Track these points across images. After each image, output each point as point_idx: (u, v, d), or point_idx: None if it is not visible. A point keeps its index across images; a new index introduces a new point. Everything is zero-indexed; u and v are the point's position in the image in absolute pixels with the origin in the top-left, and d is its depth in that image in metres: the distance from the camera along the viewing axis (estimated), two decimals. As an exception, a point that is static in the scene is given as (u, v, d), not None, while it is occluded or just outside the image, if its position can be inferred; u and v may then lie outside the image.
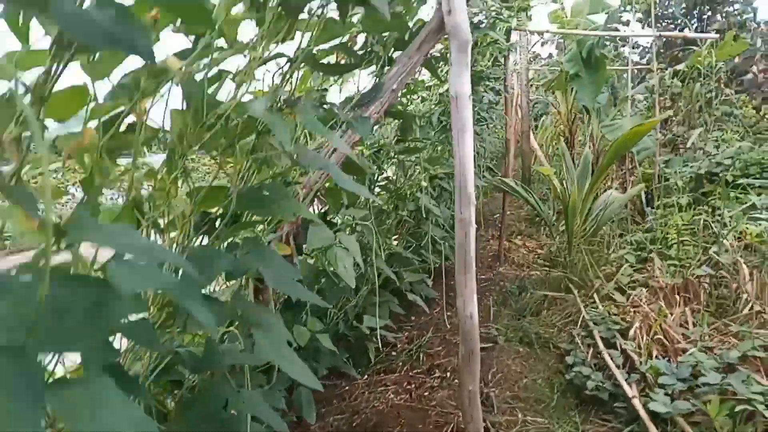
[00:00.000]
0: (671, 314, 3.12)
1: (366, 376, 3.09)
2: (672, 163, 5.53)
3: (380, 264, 2.25)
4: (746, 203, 4.24)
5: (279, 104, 1.18)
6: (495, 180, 4.59)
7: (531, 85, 8.55)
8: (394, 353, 3.35)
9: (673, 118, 6.01)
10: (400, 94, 2.45)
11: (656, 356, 2.81)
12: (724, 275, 3.29)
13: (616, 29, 7.64)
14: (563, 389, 2.84)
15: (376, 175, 2.40)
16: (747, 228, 3.56)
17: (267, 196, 1.14)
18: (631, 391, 2.46)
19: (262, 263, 1.13)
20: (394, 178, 2.43)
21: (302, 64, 1.26)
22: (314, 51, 1.35)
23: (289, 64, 1.25)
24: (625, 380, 2.60)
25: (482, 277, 4.99)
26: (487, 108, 5.15)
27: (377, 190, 2.53)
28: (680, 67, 6.53)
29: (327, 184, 1.95)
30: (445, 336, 3.53)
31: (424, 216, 2.61)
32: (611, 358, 2.85)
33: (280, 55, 1.20)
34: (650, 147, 5.55)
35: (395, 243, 2.58)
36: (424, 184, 2.53)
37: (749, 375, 2.20)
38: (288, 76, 1.23)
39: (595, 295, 3.87)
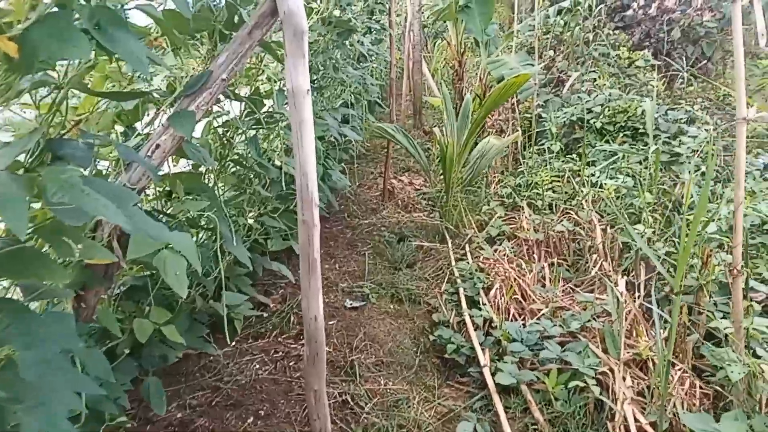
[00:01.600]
0: (530, 271, 3.28)
1: (234, 344, 3.02)
2: (550, 105, 5.67)
3: (232, 248, 2.11)
4: (610, 153, 4.46)
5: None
6: (373, 126, 4.46)
7: (422, 12, 8.30)
8: (265, 315, 3.29)
9: (557, 59, 6.11)
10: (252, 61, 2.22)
11: (512, 317, 2.96)
12: (580, 232, 3.47)
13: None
14: (426, 351, 2.94)
15: (227, 151, 2.21)
16: (606, 183, 3.75)
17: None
18: (483, 359, 2.58)
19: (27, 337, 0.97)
20: (247, 154, 2.24)
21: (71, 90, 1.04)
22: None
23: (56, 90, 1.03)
24: (481, 344, 2.72)
25: (365, 222, 4.97)
26: (372, 42, 4.93)
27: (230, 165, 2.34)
28: (565, 3, 6.56)
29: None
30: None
31: (284, 188, 2.46)
32: (471, 319, 2.97)
33: (40, 83, 0.98)
34: (531, 87, 5.63)
35: (251, 219, 2.43)
36: (278, 162, 2.37)
37: (587, 345, 2.36)
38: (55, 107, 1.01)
39: (467, 246, 3.98)
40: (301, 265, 1.79)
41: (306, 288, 1.78)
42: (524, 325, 2.85)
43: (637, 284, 2.69)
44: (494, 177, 5.04)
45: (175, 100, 1.55)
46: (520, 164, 5.64)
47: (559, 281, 3.13)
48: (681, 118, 4.48)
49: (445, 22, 8.54)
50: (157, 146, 1.55)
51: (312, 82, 3.15)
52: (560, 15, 6.32)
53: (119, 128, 1.59)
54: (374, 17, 4.97)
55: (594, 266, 3.10)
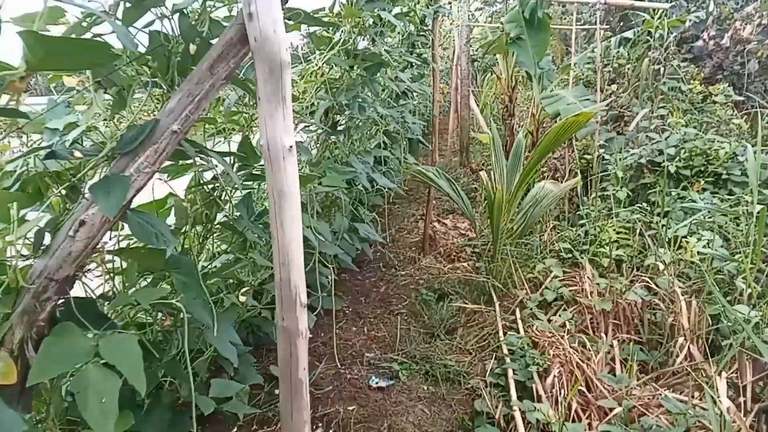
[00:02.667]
0: (596, 351, 2.67)
1: None
2: (613, 144, 5.06)
3: (213, 339, 1.65)
4: (687, 200, 3.82)
5: None
6: (412, 169, 3.99)
7: (470, 45, 7.87)
8: (277, 391, 2.80)
9: (618, 94, 5.51)
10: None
11: (574, 415, 2.36)
12: (658, 303, 2.85)
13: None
14: (465, 454, 2.38)
15: (214, 213, 1.77)
16: (687, 240, 3.12)
17: None
18: (538, 479, 2.00)
19: None
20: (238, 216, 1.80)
21: None
22: None
23: None
24: (535, 455, 2.15)
25: (401, 273, 4.47)
26: (412, 77, 4.50)
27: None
28: (628, 34, 5.98)
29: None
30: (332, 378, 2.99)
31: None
32: (522, 415, 2.39)
33: None
34: (590, 125, 5.05)
35: (243, 297, 1.96)
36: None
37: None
38: None
39: (517, 311, 3.41)
40: (281, 389, 1.30)
41: (287, 420, 1.28)
42: (590, 427, 2.26)
43: (741, 386, 2.06)
44: (548, 225, 4.45)
45: (107, 161, 1.12)
46: (578, 209, 5.03)
47: (633, 366, 2.51)
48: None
49: (495, 55, 8.09)
50: (82, 223, 1.11)
51: (336, 123, 2.71)
52: (623, 46, 5.75)
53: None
54: (416, 50, 4.55)
55: (679, 351, 2.47)
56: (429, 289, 4.00)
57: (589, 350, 2.67)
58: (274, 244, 1.15)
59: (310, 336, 3.39)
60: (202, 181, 1.71)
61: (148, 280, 1.56)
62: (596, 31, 5.20)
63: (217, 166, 1.71)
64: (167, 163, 1.40)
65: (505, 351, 2.92)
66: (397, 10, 3.21)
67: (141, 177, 1.14)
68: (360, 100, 2.51)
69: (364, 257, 4.38)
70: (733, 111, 4.98)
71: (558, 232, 4.49)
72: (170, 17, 1.15)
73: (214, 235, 1.80)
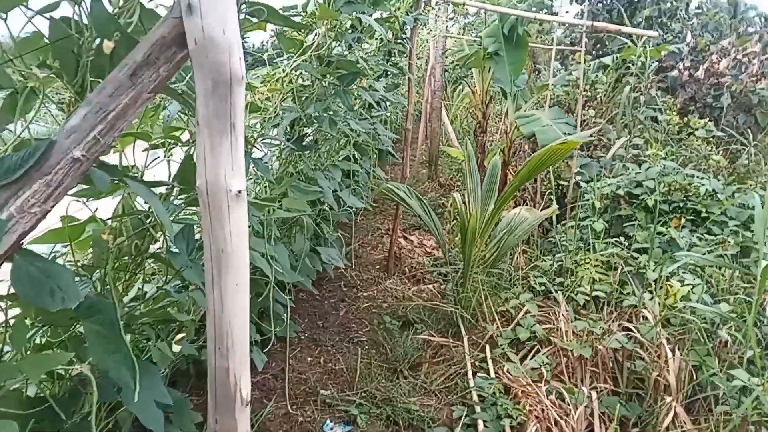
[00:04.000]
0: (574, 405, 2.44)
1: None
2: (588, 170, 4.90)
3: (133, 406, 1.32)
4: (666, 237, 3.66)
5: None
6: (382, 187, 3.70)
7: (446, 56, 7.67)
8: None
9: (595, 119, 5.37)
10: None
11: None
12: (640, 353, 2.64)
13: (546, 7, 6.83)
14: None
15: (145, 244, 1.44)
16: (670, 283, 2.93)
17: None
18: None
19: None
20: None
21: None
22: None
23: None
24: None
25: (364, 295, 4.18)
26: (387, 86, 4.22)
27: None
28: (607, 60, 5.87)
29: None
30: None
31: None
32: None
33: None
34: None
35: (177, 346, 1.63)
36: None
37: None
38: None
39: (487, 348, 3.16)
40: None
41: None
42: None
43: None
44: (517, 251, 4.23)
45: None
46: (547, 234, 4.84)
47: (616, 429, 2.29)
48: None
49: (469, 69, 7.90)
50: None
51: (303, 136, 2.40)
52: (604, 71, 5.62)
53: None
54: (392, 59, 4.28)
55: (665, 414, 2.26)
56: (393, 316, 3.72)
57: (568, 405, 2.43)
58: (208, 322, 0.84)
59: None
60: (130, 209, 1.38)
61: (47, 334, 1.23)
62: (579, 53, 5.04)
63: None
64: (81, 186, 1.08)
65: (475, 397, 2.66)
66: (377, 15, 2.92)
67: (27, 219, 0.82)
68: (331, 113, 2.21)
69: (324, 275, 4.06)
70: (712, 147, 4.89)
71: (529, 260, 4.28)
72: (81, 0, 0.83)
73: (144, 271, 1.47)
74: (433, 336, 3.41)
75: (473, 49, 7.03)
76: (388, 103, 4.95)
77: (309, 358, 3.22)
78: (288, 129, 2.13)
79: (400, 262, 4.83)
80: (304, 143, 2.23)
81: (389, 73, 3.98)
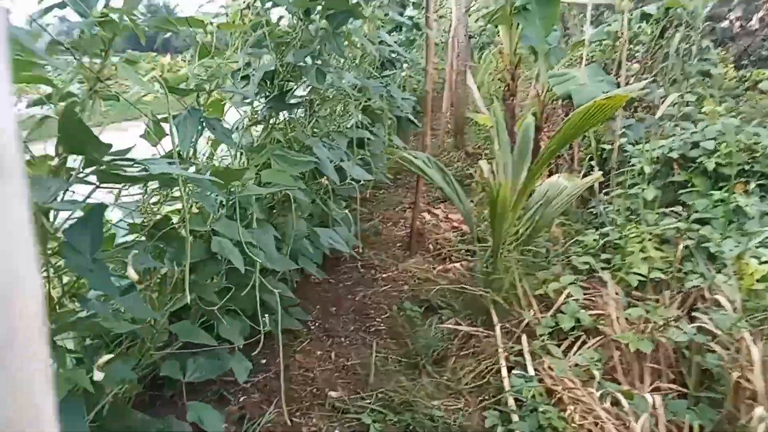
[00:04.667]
0: (635, 413, 1.99)
1: None
2: (633, 132, 4.35)
3: None
4: (732, 206, 3.13)
5: None
6: (397, 156, 3.25)
7: (468, 15, 7.08)
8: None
9: (640, 75, 4.78)
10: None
11: None
12: (712, 346, 2.16)
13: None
14: None
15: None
16: (745, 261, 2.43)
17: None
18: None
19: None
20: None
21: None
22: None
23: None
24: None
25: (383, 276, 3.77)
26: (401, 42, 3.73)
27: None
28: (650, 9, 5.23)
29: None
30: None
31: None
32: None
33: None
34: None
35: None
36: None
37: None
38: None
39: (523, 339, 2.71)
40: None
41: None
42: None
43: None
44: (557, 228, 3.75)
45: None
46: (588, 204, 4.33)
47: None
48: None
49: (496, 26, 7.29)
50: None
51: (285, 93, 1.95)
52: (646, 20, 5.00)
53: None
54: (406, 11, 3.78)
55: (757, 424, 1.79)
56: (414, 301, 3.31)
57: (626, 413, 1.98)
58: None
59: (263, 361, 2.66)
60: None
61: None
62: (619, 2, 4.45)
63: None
64: None
65: (511, 402, 2.23)
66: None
67: None
68: (319, 62, 1.76)
69: (338, 255, 3.65)
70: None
71: (568, 234, 3.79)
72: None
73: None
74: (460, 324, 2.98)
75: (499, 4, 6.45)
76: (404, 65, 4.47)
77: (318, 352, 2.82)
78: (266, 84, 1.69)
79: (424, 239, 4.40)
80: (289, 101, 1.79)
81: (402, 27, 3.49)
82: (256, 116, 1.77)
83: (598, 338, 2.52)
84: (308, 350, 2.82)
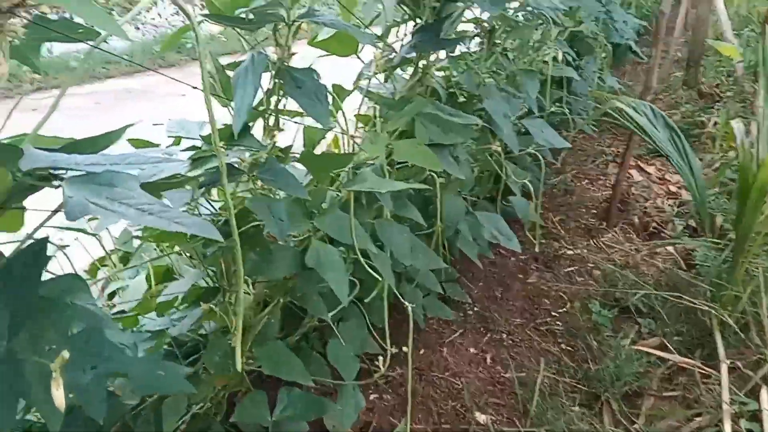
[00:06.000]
0: None
1: None
2: None
3: None
4: None
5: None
6: (607, 106, 2.38)
7: None
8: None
9: None
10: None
11: None
12: None
13: None
14: None
15: None
16: None
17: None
18: None
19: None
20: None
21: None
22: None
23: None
24: None
25: (568, 253, 3.03)
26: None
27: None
28: None
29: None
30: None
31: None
32: None
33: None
34: None
35: None
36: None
37: None
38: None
39: (763, 393, 1.85)
40: None
41: None
42: None
43: None
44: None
45: None
46: None
47: None
48: None
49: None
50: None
51: (443, 19, 1.28)
52: None
53: None
54: None
55: None
56: (604, 299, 2.55)
57: None
58: None
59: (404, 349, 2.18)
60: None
61: None
62: None
63: None
64: None
65: None
66: None
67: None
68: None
69: (513, 220, 2.97)
70: None
71: None
72: None
73: None
74: (667, 346, 2.19)
75: None
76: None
77: (471, 350, 2.27)
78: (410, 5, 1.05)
79: (627, 207, 3.49)
80: (447, 35, 1.13)
81: None
82: (391, 60, 1.15)
83: None
84: (459, 345, 2.28)
